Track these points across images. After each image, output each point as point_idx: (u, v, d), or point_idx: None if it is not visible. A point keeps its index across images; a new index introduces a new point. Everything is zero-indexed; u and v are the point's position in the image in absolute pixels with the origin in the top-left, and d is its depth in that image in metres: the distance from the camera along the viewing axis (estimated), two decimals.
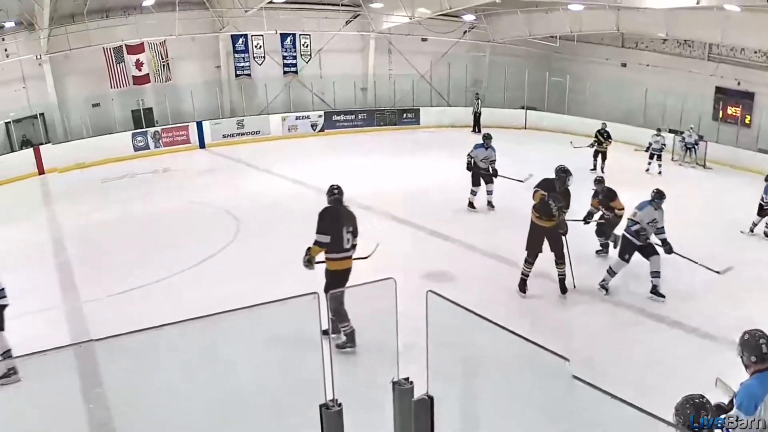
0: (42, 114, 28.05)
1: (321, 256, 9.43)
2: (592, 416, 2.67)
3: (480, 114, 29.81)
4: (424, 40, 32.24)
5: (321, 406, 3.14)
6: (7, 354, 9.83)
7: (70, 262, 14.74)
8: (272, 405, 4.50)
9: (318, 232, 9.25)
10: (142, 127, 29.27)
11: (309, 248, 9.32)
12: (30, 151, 26.81)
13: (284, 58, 32.06)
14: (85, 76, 28.63)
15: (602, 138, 21.60)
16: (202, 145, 29.74)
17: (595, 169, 21.26)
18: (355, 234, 9.63)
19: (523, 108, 30.61)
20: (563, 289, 11.66)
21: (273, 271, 12.61)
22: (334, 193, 9.63)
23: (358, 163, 23.44)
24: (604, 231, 13.76)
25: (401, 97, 32.74)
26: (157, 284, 12.63)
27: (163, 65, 29.84)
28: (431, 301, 3.13)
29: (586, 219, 13.87)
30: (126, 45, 28.67)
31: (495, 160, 16.69)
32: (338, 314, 8.82)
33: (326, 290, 9.06)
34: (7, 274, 14.30)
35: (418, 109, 32.18)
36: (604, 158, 21.62)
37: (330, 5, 31.13)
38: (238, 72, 31.60)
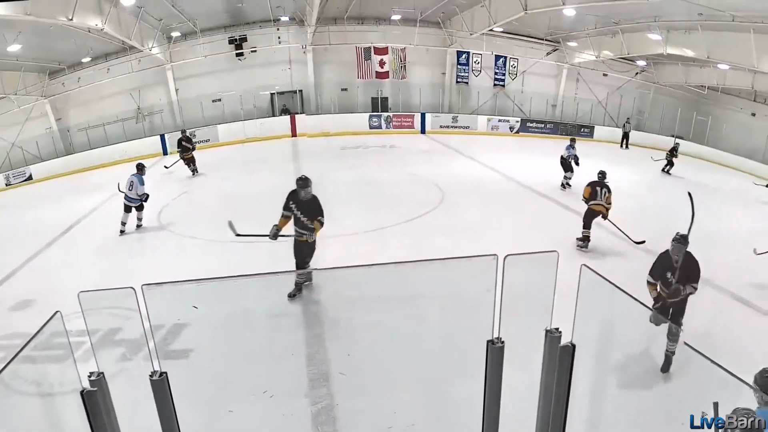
0: (300, 90, 30.98)
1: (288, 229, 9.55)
2: (695, 376, 2.73)
3: (629, 133, 30.08)
4: (604, 75, 32.56)
5: (488, 342, 3.29)
6: None
7: None
8: (449, 337, 4.73)
9: (323, 216, 9.48)
10: (378, 111, 31.53)
11: (312, 228, 9.47)
12: (287, 117, 29.90)
13: (495, 73, 33.04)
14: (338, 66, 31.12)
15: (674, 153, 23.42)
16: (423, 131, 31.30)
17: (665, 171, 23.18)
18: None
19: (672, 136, 29.99)
20: (665, 367, 6.60)
21: (465, 232, 12.90)
22: (309, 184, 9.51)
23: (542, 160, 23.13)
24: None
25: (581, 115, 33.01)
26: (372, 233, 13.12)
27: (401, 66, 31.81)
28: (584, 273, 3.22)
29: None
30: (374, 47, 30.94)
31: (577, 156, 18.57)
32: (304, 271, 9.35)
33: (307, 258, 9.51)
34: (260, 205, 15.36)
35: (593, 126, 32.23)
36: (671, 165, 23.23)
37: (536, 39, 32.13)
38: (458, 79, 32.88)
